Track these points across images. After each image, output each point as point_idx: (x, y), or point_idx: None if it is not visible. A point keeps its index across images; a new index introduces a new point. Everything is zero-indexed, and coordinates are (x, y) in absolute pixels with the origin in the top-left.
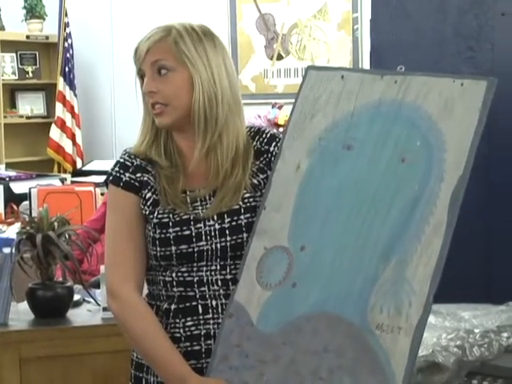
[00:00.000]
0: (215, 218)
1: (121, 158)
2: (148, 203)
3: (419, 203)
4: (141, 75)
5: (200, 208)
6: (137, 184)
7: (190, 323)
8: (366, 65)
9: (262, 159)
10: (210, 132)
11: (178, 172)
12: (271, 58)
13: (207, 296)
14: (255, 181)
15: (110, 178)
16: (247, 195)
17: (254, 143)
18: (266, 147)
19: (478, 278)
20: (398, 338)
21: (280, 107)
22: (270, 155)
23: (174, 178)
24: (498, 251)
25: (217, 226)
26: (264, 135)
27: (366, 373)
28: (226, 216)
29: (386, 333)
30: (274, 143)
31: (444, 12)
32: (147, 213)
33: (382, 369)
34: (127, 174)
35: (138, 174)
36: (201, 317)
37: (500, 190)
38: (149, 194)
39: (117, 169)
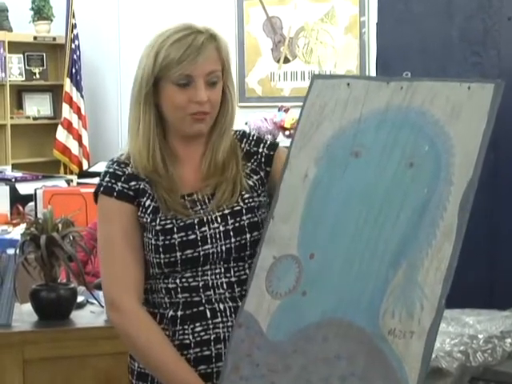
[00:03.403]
0: (219, 220)
1: (109, 167)
2: (148, 211)
3: (429, 207)
4: (181, 82)
5: (202, 212)
6: (131, 193)
7: (199, 328)
8: (373, 69)
9: (252, 161)
10: (226, 136)
11: (175, 179)
12: (278, 61)
13: (213, 300)
14: (250, 182)
15: (101, 188)
16: (246, 196)
17: (243, 145)
18: (255, 149)
19: (481, 283)
20: (411, 343)
21: (286, 110)
22: (259, 156)
23: (172, 186)
24: (502, 257)
25: (221, 228)
26: (251, 138)
27: (379, 379)
28: (229, 218)
29: (399, 338)
30: (261, 144)
31: (450, 16)
32: (148, 220)
33: (395, 374)
34: (119, 184)
35: (133, 183)
36: (210, 321)
37: (505, 195)
38: (148, 202)
39: (107, 179)
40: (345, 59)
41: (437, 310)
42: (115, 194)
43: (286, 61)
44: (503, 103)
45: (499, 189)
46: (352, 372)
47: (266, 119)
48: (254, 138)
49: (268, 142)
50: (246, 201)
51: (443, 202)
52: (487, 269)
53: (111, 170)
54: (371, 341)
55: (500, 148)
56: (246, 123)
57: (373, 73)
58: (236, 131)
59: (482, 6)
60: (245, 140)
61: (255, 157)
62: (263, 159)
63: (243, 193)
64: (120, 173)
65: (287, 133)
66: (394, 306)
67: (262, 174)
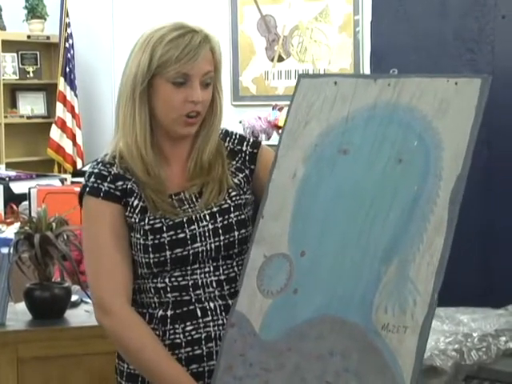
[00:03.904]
0: (208, 218)
1: (94, 168)
2: (136, 211)
3: (419, 202)
4: (177, 80)
5: (190, 210)
6: (117, 193)
7: (189, 328)
8: (367, 67)
9: (237, 159)
10: (213, 137)
11: (162, 179)
12: (272, 60)
13: (203, 299)
14: (236, 180)
15: (87, 189)
16: (233, 193)
17: (226, 144)
18: (239, 147)
19: (477, 281)
20: (405, 337)
21: (280, 109)
22: (243, 154)
23: (159, 186)
24: (498, 255)
25: (210, 226)
26: (234, 136)
27: (373, 374)
28: (217, 215)
29: (392, 333)
30: (245, 143)
31: (444, 14)
32: (137, 220)
33: (389, 369)
34: (105, 184)
35: (119, 183)
36: (200, 320)
37: (500, 192)
38: (136, 202)
39: (93, 179)
40: (339, 58)
41: (429, 304)
42: (101, 194)
43: (280, 59)
44: (497, 100)
45: (493, 186)
46: (346, 368)
47: (260, 118)
48: (237, 136)
49: (251, 141)
50: (234, 198)
51: (433, 196)
52: (482, 267)
53: (96, 171)
54: (365, 336)
55: (494, 145)
56: (240, 122)
57: (367, 71)
58: None
59: (477, 4)
60: (228, 139)
61: (239, 155)
62: (247, 157)
63: (230, 191)
64: (105, 173)
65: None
66: (387, 302)
67: (246, 171)
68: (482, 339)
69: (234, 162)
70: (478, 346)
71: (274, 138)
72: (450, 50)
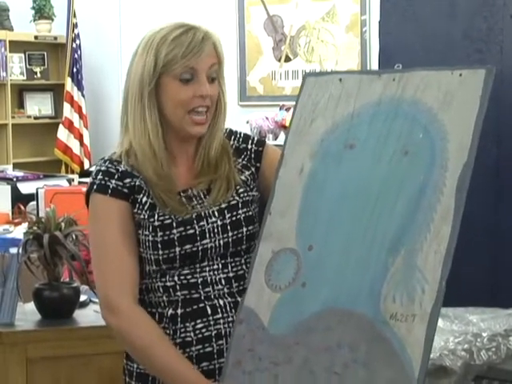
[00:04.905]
0: (216, 214)
1: (101, 166)
2: (145, 207)
3: (425, 193)
4: (185, 76)
5: (199, 207)
6: (125, 190)
7: (200, 325)
8: (375, 67)
9: (243, 157)
10: (218, 134)
11: (171, 177)
12: (279, 60)
13: (212, 296)
14: (243, 177)
15: (94, 187)
16: (241, 190)
17: (232, 143)
18: (244, 145)
19: (485, 281)
20: (413, 326)
21: (288, 109)
22: (249, 152)
23: (168, 184)
24: (506, 254)
25: (219, 223)
26: (238, 135)
27: (382, 363)
28: (226, 212)
29: (401, 321)
30: (250, 141)
31: (453, 14)
32: (146, 217)
33: (398, 357)
34: (113, 181)
35: (127, 180)
36: (210, 318)
37: (508, 191)
38: (144, 199)
39: (100, 177)
40: (346, 58)
41: (437, 292)
42: (109, 191)
43: (288, 59)
44: (506, 100)
45: (502, 184)
46: (354, 359)
47: (267, 118)
48: (242, 135)
49: (256, 139)
50: (242, 195)
51: (440, 186)
52: (490, 267)
53: (103, 168)
54: (373, 326)
55: (503, 144)
56: (248, 122)
57: None
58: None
59: (485, 4)
60: (233, 137)
61: (245, 153)
62: (253, 155)
63: (238, 187)
64: (113, 170)
65: None
66: (395, 291)
67: (252, 169)
68: (492, 339)
69: (240, 160)
70: (488, 346)
71: (281, 139)
72: (459, 50)
